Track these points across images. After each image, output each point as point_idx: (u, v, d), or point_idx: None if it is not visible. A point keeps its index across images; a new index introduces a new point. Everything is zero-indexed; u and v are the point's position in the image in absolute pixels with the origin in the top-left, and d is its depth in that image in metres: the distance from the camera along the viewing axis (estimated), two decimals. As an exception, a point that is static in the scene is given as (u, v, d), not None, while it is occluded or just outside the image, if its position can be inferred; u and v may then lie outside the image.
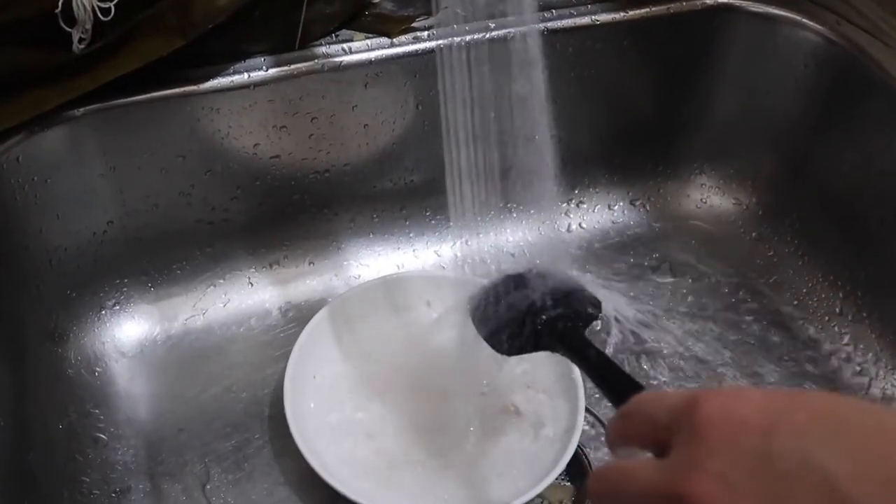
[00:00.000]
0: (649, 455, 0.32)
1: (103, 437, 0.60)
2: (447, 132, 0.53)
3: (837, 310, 0.70)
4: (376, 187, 0.70)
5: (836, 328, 0.69)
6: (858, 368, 0.67)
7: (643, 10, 0.69)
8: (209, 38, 0.56)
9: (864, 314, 0.68)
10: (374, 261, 0.73)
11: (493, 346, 0.52)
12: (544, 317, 0.50)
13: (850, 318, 0.69)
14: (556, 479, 0.55)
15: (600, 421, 0.61)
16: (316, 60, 0.62)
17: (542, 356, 0.62)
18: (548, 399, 0.61)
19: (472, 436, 0.59)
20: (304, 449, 0.55)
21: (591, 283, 0.53)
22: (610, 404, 0.42)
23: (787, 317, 0.71)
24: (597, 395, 0.61)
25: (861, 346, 0.67)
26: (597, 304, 0.52)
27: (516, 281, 0.54)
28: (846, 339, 0.68)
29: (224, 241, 0.68)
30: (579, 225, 0.77)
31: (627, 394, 0.37)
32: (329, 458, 0.56)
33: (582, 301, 0.51)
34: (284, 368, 0.60)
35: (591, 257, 0.75)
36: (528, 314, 0.50)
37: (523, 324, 0.50)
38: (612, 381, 0.43)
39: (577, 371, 0.60)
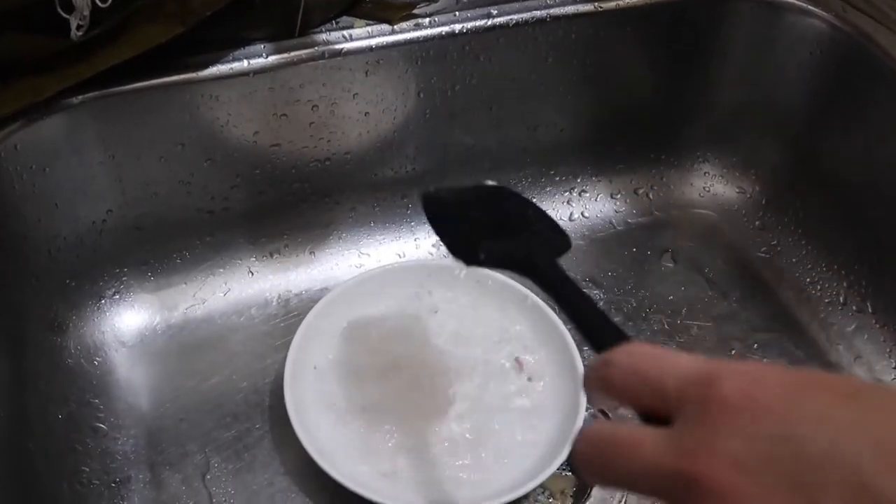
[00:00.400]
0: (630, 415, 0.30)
1: (103, 426, 0.60)
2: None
3: (841, 299, 0.69)
4: (377, 175, 0.70)
5: (839, 318, 0.69)
6: (862, 359, 0.66)
7: (647, -3, 0.68)
8: (208, 26, 0.56)
9: (868, 304, 0.68)
10: (374, 250, 0.72)
11: (454, 252, 0.48)
12: (510, 232, 0.46)
13: (853, 308, 0.68)
14: (558, 469, 0.55)
15: (602, 411, 0.61)
16: (316, 48, 0.61)
17: (543, 347, 0.62)
18: (549, 390, 0.61)
19: (474, 427, 0.59)
20: (304, 439, 0.55)
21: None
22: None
23: (789, 306, 0.71)
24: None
25: (865, 337, 0.67)
26: (565, 236, 0.48)
27: (480, 193, 0.51)
28: (849, 329, 0.68)
29: (224, 230, 0.68)
30: (581, 214, 0.76)
31: (608, 337, 0.35)
32: (330, 448, 0.56)
33: (550, 228, 0.48)
34: (285, 358, 0.59)
35: (593, 246, 0.75)
36: (494, 226, 0.47)
37: (487, 235, 0.47)
38: (589, 320, 0.39)
39: (578, 361, 0.60)
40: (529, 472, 0.55)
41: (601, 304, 0.70)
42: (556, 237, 0.48)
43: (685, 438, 0.27)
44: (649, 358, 0.30)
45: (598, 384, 0.31)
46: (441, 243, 0.71)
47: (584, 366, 0.32)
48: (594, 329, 0.38)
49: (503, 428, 0.59)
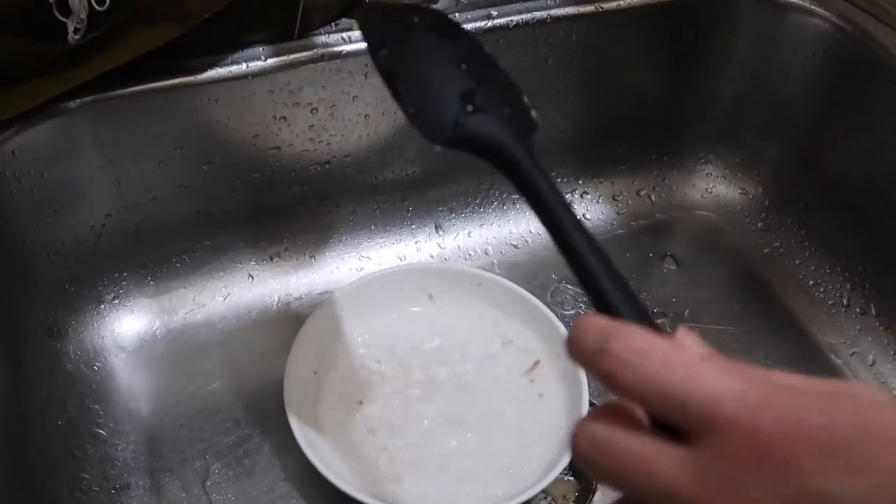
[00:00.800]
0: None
1: (103, 432, 0.60)
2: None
3: (844, 301, 0.69)
4: (377, 178, 0.70)
5: (842, 320, 0.68)
6: (865, 361, 0.66)
7: (648, -3, 0.68)
8: (206, 28, 0.55)
9: (872, 306, 0.67)
10: (375, 253, 0.72)
11: (414, 119, 0.38)
12: (483, 104, 0.37)
13: (857, 310, 0.68)
14: (560, 474, 0.55)
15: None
16: (315, 50, 0.61)
17: (547, 352, 0.62)
18: (552, 394, 0.60)
19: (475, 432, 0.58)
20: (304, 444, 0.54)
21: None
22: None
23: (792, 308, 0.70)
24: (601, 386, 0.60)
25: (869, 339, 0.67)
26: (533, 120, 0.39)
27: (439, 34, 0.40)
28: (853, 331, 0.67)
29: (224, 234, 0.67)
30: (583, 216, 0.76)
31: (609, 290, 0.30)
32: (330, 454, 0.56)
33: (522, 108, 0.39)
34: (285, 363, 0.59)
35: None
36: (464, 91, 0.38)
37: (455, 101, 0.38)
38: (581, 253, 0.32)
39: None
40: (532, 477, 0.55)
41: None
42: (528, 121, 0.39)
43: (711, 473, 0.26)
44: (672, 371, 0.27)
45: (597, 374, 0.28)
46: (443, 245, 0.70)
47: (573, 329, 0.29)
48: (588, 268, 0.31)
49: (505, 432, 0.59)
